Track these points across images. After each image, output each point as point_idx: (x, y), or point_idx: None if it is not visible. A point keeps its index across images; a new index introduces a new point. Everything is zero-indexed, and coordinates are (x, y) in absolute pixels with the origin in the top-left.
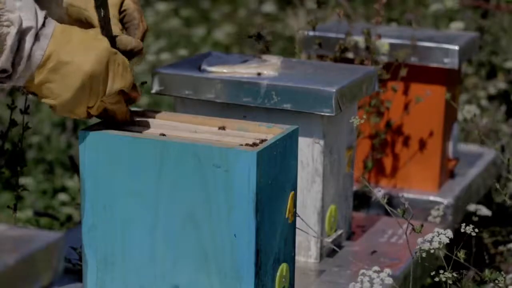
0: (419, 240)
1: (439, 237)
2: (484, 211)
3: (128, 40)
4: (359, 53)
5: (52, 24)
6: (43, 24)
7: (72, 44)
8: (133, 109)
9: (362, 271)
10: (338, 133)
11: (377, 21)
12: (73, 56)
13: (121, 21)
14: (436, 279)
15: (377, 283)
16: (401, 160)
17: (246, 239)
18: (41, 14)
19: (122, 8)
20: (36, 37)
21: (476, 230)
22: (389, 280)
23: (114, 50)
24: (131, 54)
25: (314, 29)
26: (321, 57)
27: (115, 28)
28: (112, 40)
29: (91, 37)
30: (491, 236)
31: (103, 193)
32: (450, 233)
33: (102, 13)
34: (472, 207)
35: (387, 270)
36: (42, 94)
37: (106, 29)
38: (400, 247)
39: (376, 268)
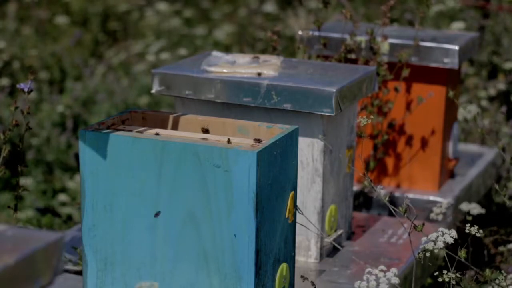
0: (423, 239)
1: (443, 237)
2: (478, 209)
3: None
4: (363, 53)
5: None
6: None
7: None
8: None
9: (368, 269)
10: (338, 133)
11: (384, 23)
12: None
13: None
14: (440, 279)
15: (384, 283)
16: (401, 160)
17: (246, 239)
18: None
19: None
20: None
21: (481, 231)
22: (396, 280)
23: None
24: None
25: (319, 29)
26: (325, 58)
27: None
28: None
29: None
30: (491, 235)
31: (103, 193)
32: (454, 233)
33: None
34: (464, 206)
35: (393, 270)
36: None
37: None
38: (400, 247)
39: (382, 267)
